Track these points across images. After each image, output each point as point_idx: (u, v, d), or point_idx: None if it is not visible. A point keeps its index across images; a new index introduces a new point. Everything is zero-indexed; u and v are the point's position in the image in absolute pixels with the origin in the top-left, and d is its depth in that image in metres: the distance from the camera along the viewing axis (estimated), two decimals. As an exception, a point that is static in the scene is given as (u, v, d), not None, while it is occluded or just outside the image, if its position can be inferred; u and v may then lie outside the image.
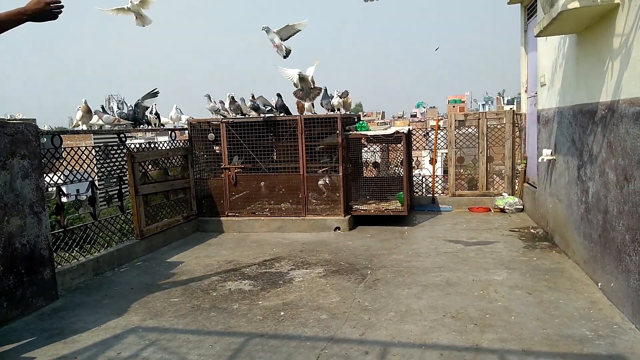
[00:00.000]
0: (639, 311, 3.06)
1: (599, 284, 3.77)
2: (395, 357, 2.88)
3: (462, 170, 7.92)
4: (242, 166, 6.72)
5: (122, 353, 3.10)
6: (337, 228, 6.34)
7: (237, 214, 6.74)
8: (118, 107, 6.04)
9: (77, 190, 5.70)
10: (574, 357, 2.77)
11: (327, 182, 6.53)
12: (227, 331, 3.38)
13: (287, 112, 6.88)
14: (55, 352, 3.15)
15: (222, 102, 6.93)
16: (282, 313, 3.64)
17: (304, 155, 6.45)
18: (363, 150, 7.75)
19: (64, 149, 5.04)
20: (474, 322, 3.31)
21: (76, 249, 4.92)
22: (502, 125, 7.53)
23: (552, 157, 5.19)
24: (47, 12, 2.79)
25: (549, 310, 3.45)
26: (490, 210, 7.25)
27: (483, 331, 3.16)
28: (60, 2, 2.81)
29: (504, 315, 3.39)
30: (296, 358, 2.93)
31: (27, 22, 2.82)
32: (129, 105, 6.07)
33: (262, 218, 6.61)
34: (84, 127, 5.80)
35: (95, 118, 5.89)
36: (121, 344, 3.23)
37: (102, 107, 6.07)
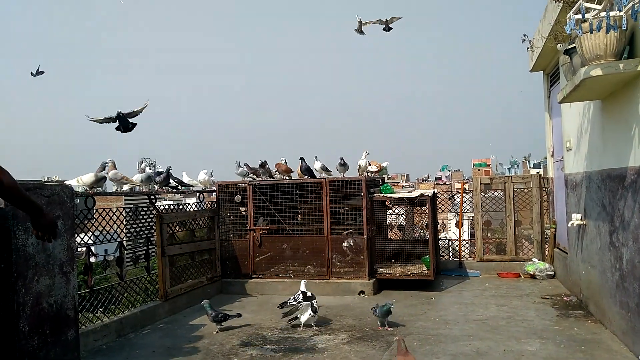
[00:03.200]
0: (686, 389, 2.86)
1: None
2: None
3: (489, 234, 7.78)
4: (267, 227, 6.77)
5: (141, 420, 3.03)
6: (362, 292, 6.21)
7: (260, 276, 6.71)
8: (150, 169, 6.24)
9: (106, 251, 5.80)
10: None
11: (352, 244, 6.49)
12: (247, 399, 3.27)
13: (311, 174, 7.00)
14: (74, 417, 3.09)
15: (247, 165, 7.16)
16: (304, 381, 3.53)
17: (328, 217, 6.47)
18: (388, 213, 7.73)
19: (96, 209, 5.20)
20: (507, 396, 3.14)
21: (100, 309, 4.94)
22: (529, 189, 7.45)
23: (582, 222, 5.07)
24: (47, 228, 2.88)
25: (587, 385, 3.25)
26: (520, 276, 7.03)
27: (517, 406, 2.99)
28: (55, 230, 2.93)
29: (538, 390, 3.20)
30: None
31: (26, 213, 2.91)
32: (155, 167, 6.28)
33: (286, 280, 6.55)
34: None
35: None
36: (140, 410, 3.16)
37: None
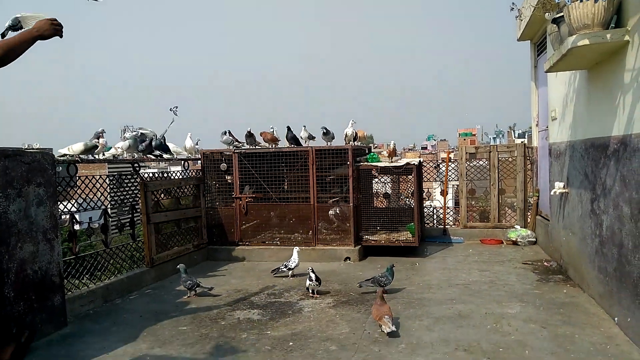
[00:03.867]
0: (657, 347, 2.98)
1: (616, 319, 3.68)
2: (406, 391, 2.81)
3: (473, 202, 7.88)
4: (253, 195, 6.76)
5: (129, 382, 3.07)
6: (347, 258, 6.29)
7: (247, 243, 6.74)
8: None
9: (90, 218, 5.75)
10: (591, 394, 2.69)
11: (338, 212, 6.53)
12: (235, 361, 3.33)
13: (298, 143, 6.96)
14: (62, 380, 3.12)
15: (228, 132, 7.07)
16: (290, 343, 3.60)
17: (314, 186, 6.48)
18: (374, 181, 7.77)
19: (79, 177, 5.13)
20: (487, 355, 3.24)
21: (87, 276, 4.94)
22: (514, 158, 7.52)
23: (564, 190, 5.15)
24: (53, 30, 3.05)
25: (564, 345, 3.36)
26: (502, 242, 7.17)
27: (496, 366, 3.09)
28: (58, 21, 3.08)
29: (517, 350, 3.31)
30: (305, 390, 2.87)
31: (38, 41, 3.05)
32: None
33: (272, 247, 6.59)
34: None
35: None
36: (128, 373, 3.20)
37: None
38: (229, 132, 7.17)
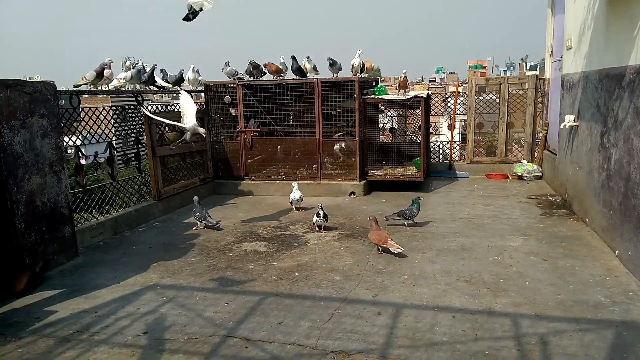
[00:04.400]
0: (656, 279, 3.02)
1: (617, 252, 3.72)
2: (408, 319, 2.91)
3: (480, 137, 7.79)
4: (258, 129, 6.70)
5: (141, 309, 3.19)
6: (352, 193, 6.33)
7: (252, 178, 6.77)
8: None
9: (96, 152, 5.77)
10: (587, 322, 2.77)
11: (343, 146, 6.49)
12: (242, 290, 3.44)
13: (303, 74, 6.79)
14: (77, 307, 3.25)
15: (227, 63, 6.91)
16: (296, 274, 3.69)
17: (320, 120, 6.39)
18: (380, 115, 7.65)
19: (82, 109, 5.08)
20: (488, 286, 3.32)
21: (95, 209, 5.01)
22: (524, 90, 7.34)
23: (574, 124, 5.06)
24: None
25: (564, 276, 3.43)
26: (508, 177, 7.15)
27: (496, 295, 3.17)
28: None
29: (518, 281, 3.38)
30: (310, 317, 2.98)
31: None
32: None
33: (278, 182, 6.62)
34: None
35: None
36: (140, 300, 3.32)
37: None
38: (226, 63, 6.99)
